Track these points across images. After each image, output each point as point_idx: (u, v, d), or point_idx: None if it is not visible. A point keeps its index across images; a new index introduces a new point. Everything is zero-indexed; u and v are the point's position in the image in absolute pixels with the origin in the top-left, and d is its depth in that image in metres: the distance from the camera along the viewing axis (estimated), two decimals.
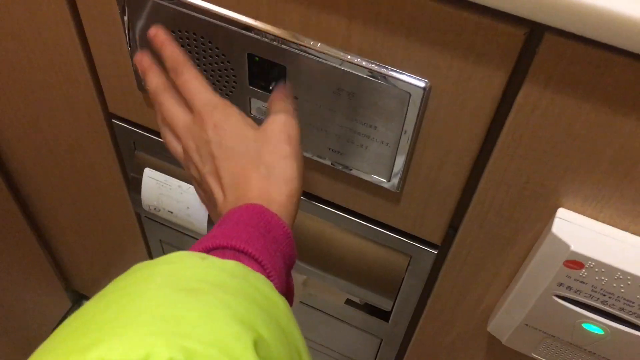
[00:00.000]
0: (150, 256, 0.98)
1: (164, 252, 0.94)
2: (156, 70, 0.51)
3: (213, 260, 0.35)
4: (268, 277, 0.37)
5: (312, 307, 0.84)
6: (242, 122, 0.45)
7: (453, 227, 0.60)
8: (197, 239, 0.78)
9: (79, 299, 1.36)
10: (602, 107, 0.42)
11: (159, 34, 0.49)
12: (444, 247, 0.63)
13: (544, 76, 0.42)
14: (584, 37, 0.38)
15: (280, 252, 0.40)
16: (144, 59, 0.52)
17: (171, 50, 0.49)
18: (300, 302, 0.82)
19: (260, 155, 0.44)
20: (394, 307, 0.75)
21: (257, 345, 0.29)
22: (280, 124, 0.45)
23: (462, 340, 0.73)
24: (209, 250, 0.38)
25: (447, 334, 0.74)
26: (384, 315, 0.79)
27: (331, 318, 0.85)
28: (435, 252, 0.63)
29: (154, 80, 0.50)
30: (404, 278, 0.68)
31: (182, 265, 0.34)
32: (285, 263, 0.40)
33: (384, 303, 0.71)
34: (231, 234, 0.38)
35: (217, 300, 0.31)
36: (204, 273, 0.33)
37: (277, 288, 0.37)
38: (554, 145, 0.46)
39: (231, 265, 0.35)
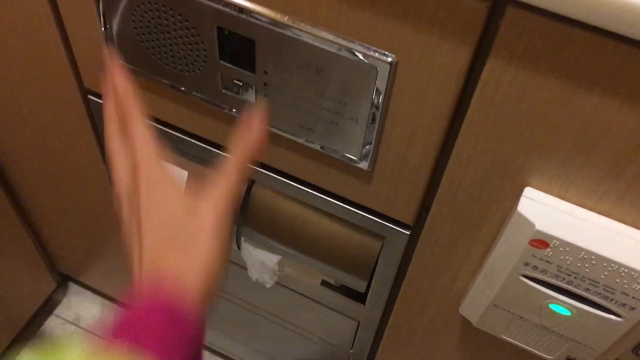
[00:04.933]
0: None
1: None
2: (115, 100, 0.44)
3: None
4: None
5: (289, 288, 0.84)
6: (177, 205, 0.42)
7: (426, 208, 0.60)
8: None
9: (63, 280, 1.36)
10: (565, 84, 0.41)
11: (112, 67, 0.43)
12: (417, 228, 0.62)
13: (507, 51, 0.41)
14: (546, 10, 0.38)
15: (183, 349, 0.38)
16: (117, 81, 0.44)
17: (124, 91, 0.43)
18: (277, 283, 0.81)
19: (191, 241, 0.41)
20: (370, 289, 0.74)
21: None
22: (215, 215, 0.41)
23: (436, 323, 0.73)
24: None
25: (421, 317, 0.74)
26: (360, 297, 0.79)
27: (309, 300, 0.85)
28: (408, 233, 0.63)
29: (110, 109, 0.44)
30: (378, 259, 0.68)
31: None
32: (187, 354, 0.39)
33: (358, 284, 0.71)
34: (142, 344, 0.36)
35: None
36: None
37: None
38: (519, 123, 0.45)
39: None
